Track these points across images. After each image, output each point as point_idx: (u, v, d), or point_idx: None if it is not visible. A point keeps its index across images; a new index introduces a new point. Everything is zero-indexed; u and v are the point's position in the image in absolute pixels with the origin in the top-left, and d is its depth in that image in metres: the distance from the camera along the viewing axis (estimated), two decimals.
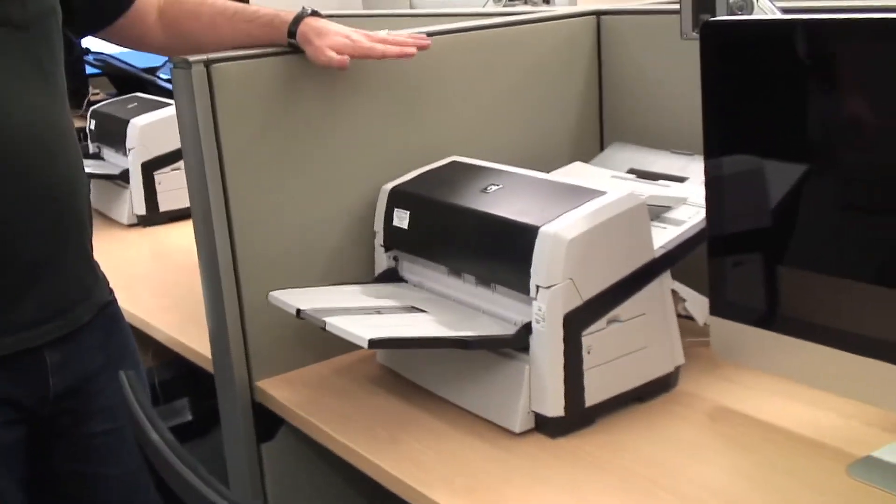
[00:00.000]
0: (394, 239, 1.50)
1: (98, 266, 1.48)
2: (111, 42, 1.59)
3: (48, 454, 1.45)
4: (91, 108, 2.72)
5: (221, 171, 1.43)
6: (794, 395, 1.31)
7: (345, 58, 1.39)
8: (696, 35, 1.24)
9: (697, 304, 1.37)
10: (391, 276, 1.52)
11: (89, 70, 4.20)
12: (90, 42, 4.15)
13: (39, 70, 1.33)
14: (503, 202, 1.35)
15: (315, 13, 1.46)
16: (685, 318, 1.40)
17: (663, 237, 1.34)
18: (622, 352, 1.29)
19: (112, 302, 1.50)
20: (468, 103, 1.68)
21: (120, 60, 4.09)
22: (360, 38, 1.43)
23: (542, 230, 1.23)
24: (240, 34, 1.47)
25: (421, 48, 1.47)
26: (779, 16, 1.30)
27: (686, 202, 1.41)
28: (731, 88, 1.19)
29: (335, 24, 1.45)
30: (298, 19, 1.44)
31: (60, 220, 1.35)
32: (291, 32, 1.43)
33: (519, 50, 1.73)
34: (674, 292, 1.35)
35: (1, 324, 1.31)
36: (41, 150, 1.31)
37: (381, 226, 1.51)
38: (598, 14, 1.80)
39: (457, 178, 1.48)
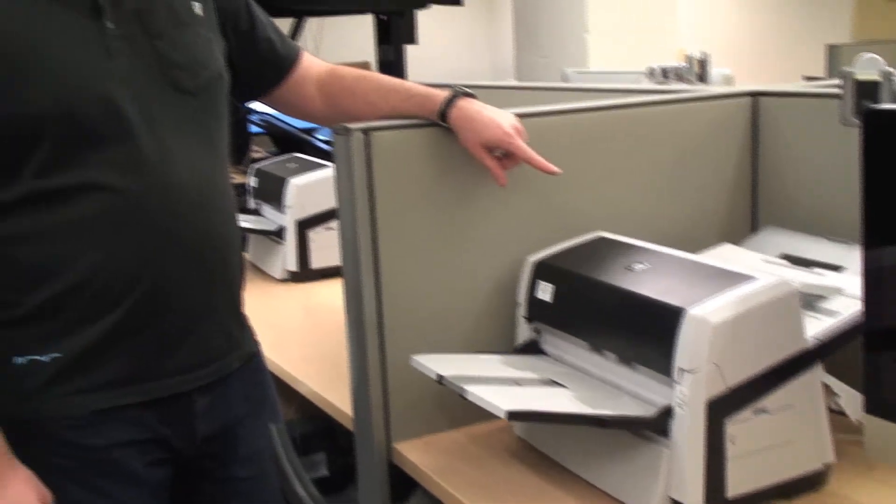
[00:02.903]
0: (536, 311, 1.51)
1: (247, 318, 1.54)
2: (272, 108, 1.68)
3: (190, 496, 1.51)
4: (254, 166, 2.85)
5: (373, 234, 1.47)
6: None
7: (502, 178, 1.47)
8: (856, 122, 1.21)
9: (851, 400, 1.32)
10: (532, 348, 1.52)
11: (252, 129, 4.41)
12: (254, 102, 4.36)
13: (205, 133, 1.41)
14: (649, 281, 1.34)
15: (467, 94, 1.48)
16: (837, 414, 1.34)
17: (816, 328, 1.30)
18: (768, 444, 1.25)
19: (257, 353, 1.56)
20: (617, 179, 1.68)
21: (281, 121, 4.29)
22: (510, 131, 1.45)
23: (687, 312, 1.21)
24: (393, 112, 1.52)
25: (551, 173, 1.49)
26: None
27: (842, 292, 1.37)
28: (894, 177, 1.15)
29: (487, 107, 1.47)
30: (450, 101, 1.46)
31: (214, 273, 1.42)
32: (442, 114, 1.47)
33: (672, 128, 1.73)
34: (825, 386, 1.31)
35: (156, 369, 1.38)
36: (201, 208, 1.39)
37: (524, 297, 1.52)
38: (755, 95, 1.78)
39: (602, 254, 1.48)
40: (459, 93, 1.48)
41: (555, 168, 1.45)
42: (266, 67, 1.58)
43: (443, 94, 1.48)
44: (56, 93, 1.27)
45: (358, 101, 1.57)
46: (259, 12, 1.58)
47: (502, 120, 1.45)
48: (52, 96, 1.26)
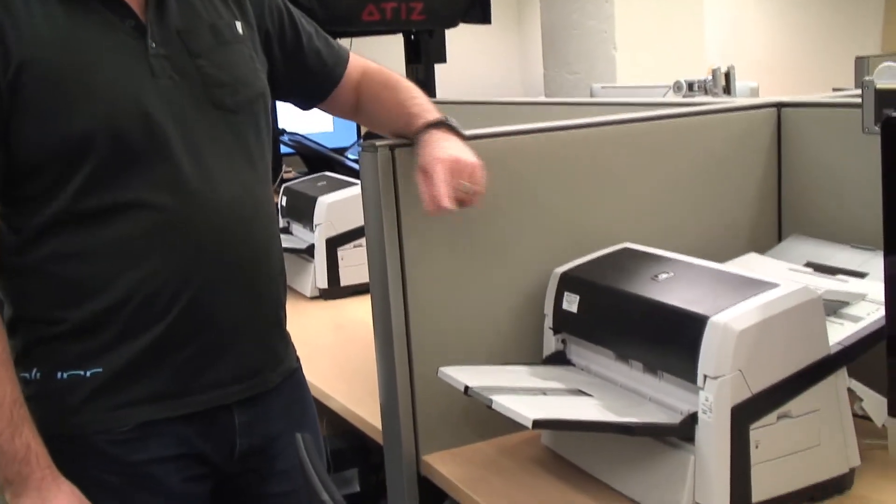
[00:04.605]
0: (563, 322, 1.52)
1: (289, 334, 1.56)
2: (324, 111, 1.70)
3: None
4: (283, 185, 2.89)
5: (400, 249, 1.49)
6: None
7: (428, 202, 1.38)
8: (878, 130, 1.22)
9: (875, 404, 1.32)
10: (559, 359, 1.54)
11: (283, 150, 4.46)
12: (285, 123, 4.42)
13: (246, 149, 1.44)
14: (673, 290, 1.35)
15: (453, 128, 1.46)
16: (862, 419, 1.35)
17: (840, 333, 1.30)
18: (793, 449, 1.26)
19: (298, 369, 1.58)
20: (644, 191, 1.69)
21: (311, 141, 4.33)
22: (442, 158, 1.39)
23: (711, 320, 1.22)
24: (391, 124, 1.55)
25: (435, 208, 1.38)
26: None
27: (865, 298, 1.37)
28: None
29: (451, 141, 1.44)
30: (429, 126, 1.45)
31: (255, 288, 1.44)
32: (417, 135, 1.46)
33: (697, 140, 1.74)
34: (850, 390, 1.31)
35: (196, 383, 1.40)
36: (243, 224, 1.41)
37: (551, 308, 1.53)
38: (779, 106, 1.79)
39: (628, 265, 1.49)
40: (444, 123, 1.46)
41: (445, 204, 1.35)
42: (317, 78, 1.61)
43: (431, 118, 1.47)
44: (102, 112, 1.30)
45: (377, 109, 1.61)
46: (304, 23, 1.60)
47: (441, 153, 1.40)
48: (98, 116, 1.29)
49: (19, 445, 1.27)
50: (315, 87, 1.62)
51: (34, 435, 1.29)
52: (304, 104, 1.67)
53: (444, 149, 1.41)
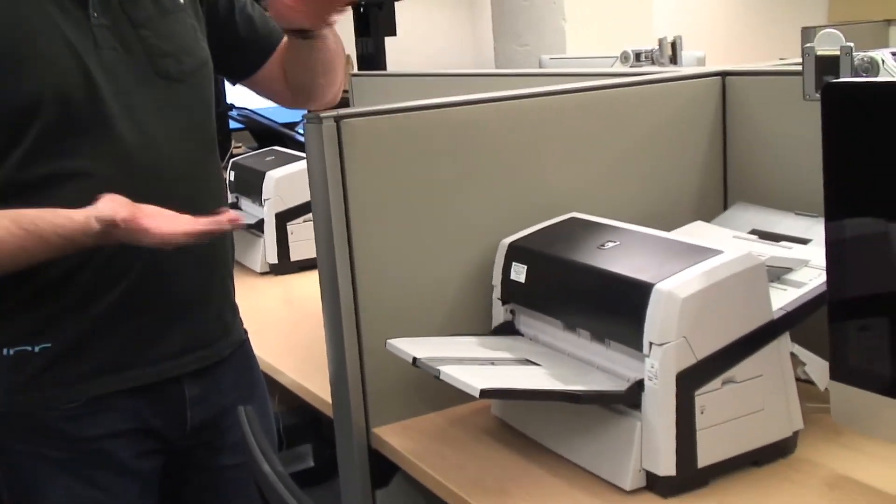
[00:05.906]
0: (511, 292, 1.52)
1: (237, 305, 1.55)
2: (257, 93, 1.68)
3: (180, 485, 1.52)
4: (231, 160, 2.86)
5: (347, 221, 1.48)
6: None
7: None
8: (818, 96, 1.23)
9: (818, 369, 1.34)
10: (507, 329, 1.54)
11: (232, 125, 4.40)
12: (234, 97, 4.36)
13: (193, 119, 1.43)
14: (619, 259, 1.36)
15: None
16: (805, 383, 1.37)
17: (783, 299, 1.32)
18: (737, 413, 1.27)
19: (247, 341, 1.58)
20: (591, 161, 1.69)
21: (261, 115, 4.28)
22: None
23: (656, 287, 1.23)
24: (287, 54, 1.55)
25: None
26: None
27: (808, 264, 1.39)
28: (853, 150, 1.17)
29: None
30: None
31: (206, 259, 1.44)
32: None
33: (644, 109, 1.74)
34: (793, 355, 1.33)
35: (147, 355, 1.39)
36: (192, 194, 1.40)
37: (499, 279, 1.53)
38: (724, 75, 1.80)
39: (575, 234, 1.49)
40: None
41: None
42: (248, 48, 1.59)
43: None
44: (43, 84, 1.28)
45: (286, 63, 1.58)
46: None
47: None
48: (38, 87, 1.28)
49: (51, 229, 1.25)
50: (248, 56, 1.60)
51: (41, 217, 1.25)
52: (236, 75, 1.63)
53: None
